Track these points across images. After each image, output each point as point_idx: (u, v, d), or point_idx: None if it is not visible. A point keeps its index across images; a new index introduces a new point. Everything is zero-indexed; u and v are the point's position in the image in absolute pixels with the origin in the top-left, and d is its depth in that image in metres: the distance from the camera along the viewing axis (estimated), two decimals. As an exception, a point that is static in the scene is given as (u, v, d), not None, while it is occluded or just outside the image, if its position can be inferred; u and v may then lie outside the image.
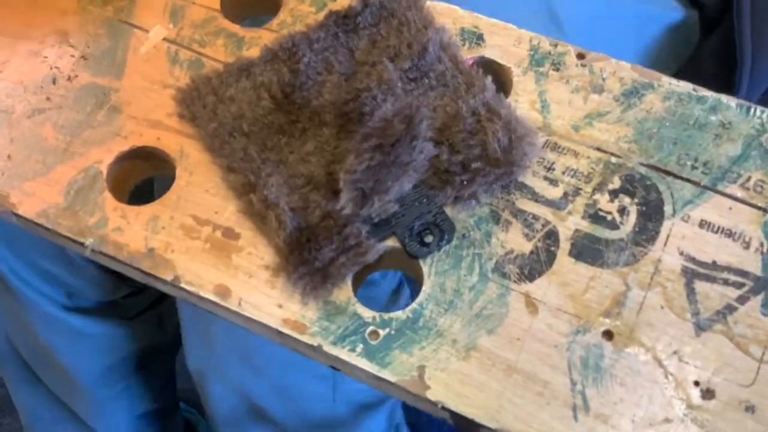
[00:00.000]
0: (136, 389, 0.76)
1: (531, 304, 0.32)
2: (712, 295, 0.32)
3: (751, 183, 0.34)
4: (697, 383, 0.30)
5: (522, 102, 0.36)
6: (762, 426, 0.29)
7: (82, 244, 0.34)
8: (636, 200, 0.34)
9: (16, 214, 0.35)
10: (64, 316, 0.67)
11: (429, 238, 0.33)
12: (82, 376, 0.71)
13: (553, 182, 0.34)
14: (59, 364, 0.70)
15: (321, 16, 0.38)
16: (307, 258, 0.32)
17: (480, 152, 0.33)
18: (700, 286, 0.32)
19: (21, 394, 0.77)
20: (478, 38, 0.38)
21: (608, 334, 0.31)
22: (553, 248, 0.33)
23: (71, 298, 0.68)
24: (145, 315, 0.75)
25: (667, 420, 0.30)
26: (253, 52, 0.38)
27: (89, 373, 0.71)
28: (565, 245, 0.33)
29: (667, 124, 0.35)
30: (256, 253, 0.33)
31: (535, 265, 0.33)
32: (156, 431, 0.80)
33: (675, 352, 0.31)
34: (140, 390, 0.76)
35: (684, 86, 0.36)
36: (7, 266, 0.65)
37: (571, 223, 0.33)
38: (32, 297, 0.66)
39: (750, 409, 0.30)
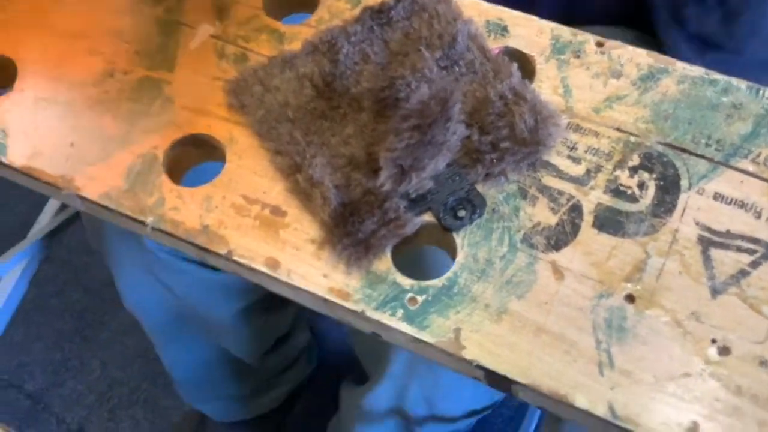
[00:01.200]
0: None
1: (557, 272, 0.35)
2: (727, 261, 0.34)
3: (762, 158, 0.36)
4: (714, 341, 0.33)
5: (545, 87, 0.39)
6: (774, 378, 0.32)
7: (142, 222, 0.37)
8: (654, 176, 0.36)
9: (81, 197, 0.37)
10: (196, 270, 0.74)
11: (462, 213, 0.36)
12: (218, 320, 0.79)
13: (576, 160, 0.37)
14: (197, 314, 0.78)
15: (357, 11, 0.41)
16: (350, 231, 0.35)
17: (508, 133, 0.36)
18: (715, 253, 0.34)
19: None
20: (503, 29, 0.41)
21: (630, 298, 0.34)
22: (577, 220, 0.35)
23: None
24: None
25: (687, 375, 0.32)
26: (294, 46, 0.41)
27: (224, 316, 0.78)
28: (588, 218, 0.36)
29: (682, 105, 0.38)
30: (302, 228, 0.36)
31: (560, 236, 0.35)
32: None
33: (693, 313, 0.33)
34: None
35: (697, 70, 0.39)
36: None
37: (593, 197, 0.36)
38: (166, 257, 0.72)
39: (764, 363, 0.32)
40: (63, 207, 1.11)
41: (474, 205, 0.36)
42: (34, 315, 1.52)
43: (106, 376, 1.45)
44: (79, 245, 1.38)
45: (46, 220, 1.21)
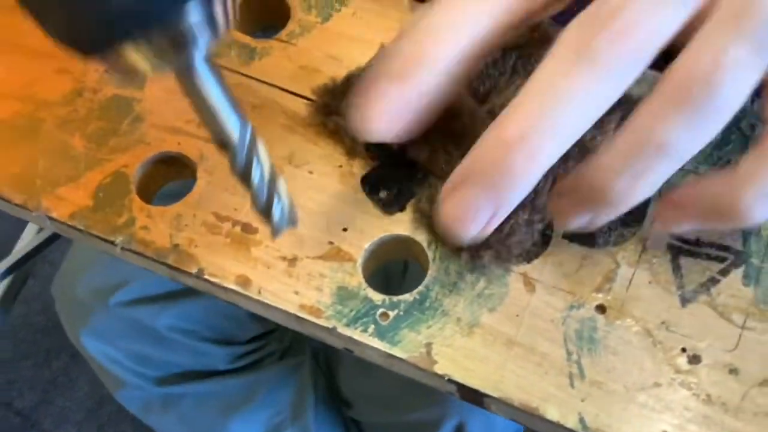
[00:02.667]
0: None
1: (529, 283, 0.35)
2: (696, 269, 0.34)
3: (730, 166, 0.36)
4: (684, 350, 0.33)
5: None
6: (744, 386, 0.32)
7: (112, 242, 0.36)
8: (623, 185, 0.36)
9: (50, 217, 0.37)
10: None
11: None
12: None
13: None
14: None
15: (328, 24, 0.41)
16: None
17: None
18: (684, 261, 0.35)
19: None
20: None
21: (601, 308, 0.34)
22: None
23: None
24: None
25: (657, 384, 0.32)
26: (264, 61, 0.41)
27: None
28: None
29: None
30: (273, 245, 0.36)
31: (532, 248, 0.35)
32: None
33: (663, 323, 0.33)
34: None
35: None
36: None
37: (563, 208, 0.36)
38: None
39: (733, 371, 0.32)
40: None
41: None
42: (21, 332, 1.52)
43: (95, 393, 1.44)
44: (65, 261, 1.37)
45: (29, 236, 1.20)
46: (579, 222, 0.30)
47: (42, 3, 0.25)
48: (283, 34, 0.42)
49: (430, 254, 0.36)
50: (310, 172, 0.38)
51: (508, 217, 0.31)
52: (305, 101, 0.40)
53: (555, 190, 0.32)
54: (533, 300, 0.34)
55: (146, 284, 0.85)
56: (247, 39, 0.42)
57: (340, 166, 0.38)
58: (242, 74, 0.40)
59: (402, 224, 0.36)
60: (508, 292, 0.35)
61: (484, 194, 0.29)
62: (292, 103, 0.40)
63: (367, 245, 0.36)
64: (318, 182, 0.37)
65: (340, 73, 0.40)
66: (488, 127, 0.28)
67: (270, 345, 0.96)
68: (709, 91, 0.26)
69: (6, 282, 1.23)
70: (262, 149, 0.30)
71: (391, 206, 0.36)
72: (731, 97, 0.26)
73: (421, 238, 0.36)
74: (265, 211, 0.31)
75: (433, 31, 0.29)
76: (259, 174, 0.30)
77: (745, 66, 0.26)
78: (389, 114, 0.29)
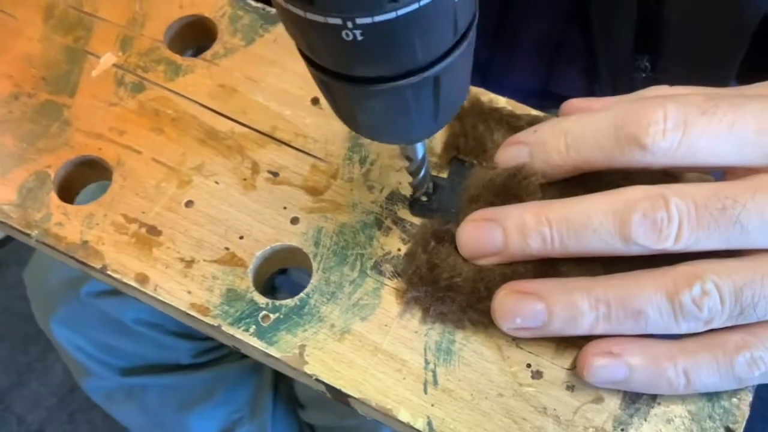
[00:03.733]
0: None
1: (400, 297, 0.38)
2: (552, 293, 0.37)
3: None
4: (528, 365, 0.36)
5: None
6: (578, 401, 0.35)
7: (28, 235, 0.40)
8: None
9: (-23, 209, 0.41)
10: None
11: None
12: None
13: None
14: None
15: (252, 48, 0.45)
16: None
17: None
18: (542, 285, 0.38)
19: None
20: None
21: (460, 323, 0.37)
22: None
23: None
24: None
25: (500, 395, 0.35)
26: (188, 78, 0.44)
27: None
28: (433, 248, 0.39)
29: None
30: (174, 247, 0.39)
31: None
32: None
33: (514, 340, 0.36)
34: None
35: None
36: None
37: (440, 230, 0.39)
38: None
39: (570, 387, 0.35)
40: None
41: None
42: (1, 316, 1.55)
43: (68, 380, 1.48)
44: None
45: None
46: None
47: None
48: (208, 54, 0.45)
49: (314, 265, 0.39)
50: (217, 183, 0.41)
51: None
52: (220, 117, 0.43)
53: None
54: (402, 312, 0.38)
55: None
56: (175, 57, 0.45)
57: (245, 179, 0.41)
58: (165, 88, 0.44)
59: (294, 236, 0.40)
60: (381, 303, 0.38)
61: None
62: (208, 118, 0.43)
63: (259, 253, 0.39)
64: (223, 192, 0.41)
65: (255, 94, 0.43)
66: None
67: None
68: None
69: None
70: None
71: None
72: None
73: (309, 250, 0.39)
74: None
75: None
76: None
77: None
78: None
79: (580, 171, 0.36)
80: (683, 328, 0.33)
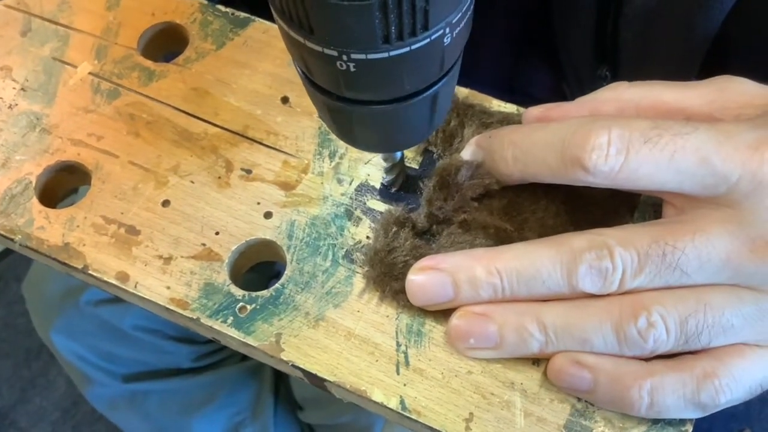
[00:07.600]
0: None
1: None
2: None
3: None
4: (496, 343, 0.37)
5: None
6: (543, 376, 0.36)
7: (12, 240, 0.41)
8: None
9: (-38, 218, 0.42)
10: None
11: None
12: None
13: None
14: None
15: (222, 52, 0.46)
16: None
17: None
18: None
19: None
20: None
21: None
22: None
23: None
24: None
25: (470, 372, 0.37)
26: (161, 83, 0.46)
27: None
28: (402, 236, 0.40)
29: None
30: (152, 246, 0.41)
31: None
32: None
33: (482, 319, 0.38)
34: None
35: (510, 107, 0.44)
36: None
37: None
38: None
39: (536, 362, 0.37)
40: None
41: None
42: (2, 333, 1.57)
43: (72, 393, 1.49)
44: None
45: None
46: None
47: None
48: (180, 59, 0.47)
49: (288, 257, 0.40)
50: (192, 182, 0.43)
51: None
52: (194, 119, 0.45)
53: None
54: (374, 299, 0.39)
55: None
56: (148, 63, 0.47)
57: (219, 178, 0.43)
58: (140, 93, 0.45)
59: (268, 230, 0.41)
60: (352, 291, 0.39)
61: None
62: (182, 121, 0.45)
63: (234, 247, 0.41)
64: (198, 191, 0.42)
65: (227, 95, 0.45)
66: None
67: None
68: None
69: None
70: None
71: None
72: None
73: (283, 242, 0.41)
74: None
75: None
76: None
77: None
78: None
79: (528, 182, 0.38)
80: (628, 354, 0.35)
